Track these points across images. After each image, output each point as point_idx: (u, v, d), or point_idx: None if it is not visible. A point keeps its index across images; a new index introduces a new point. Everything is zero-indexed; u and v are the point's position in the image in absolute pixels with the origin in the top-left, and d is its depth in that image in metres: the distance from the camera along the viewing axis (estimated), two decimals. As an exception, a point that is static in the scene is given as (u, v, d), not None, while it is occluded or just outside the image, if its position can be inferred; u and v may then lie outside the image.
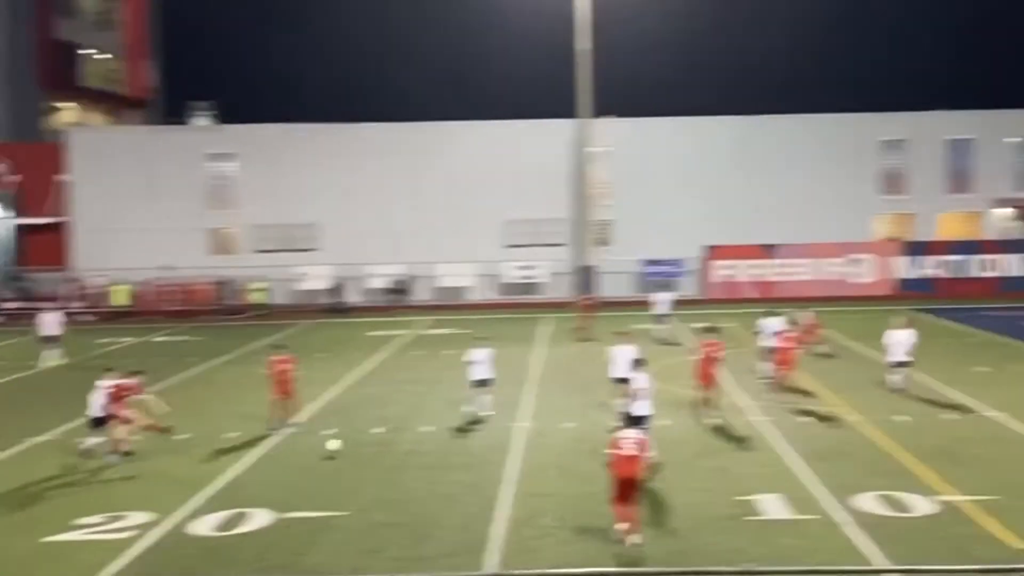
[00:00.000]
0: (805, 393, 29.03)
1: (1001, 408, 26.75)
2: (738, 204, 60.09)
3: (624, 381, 24.22)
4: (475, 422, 26.39)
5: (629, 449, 17.08)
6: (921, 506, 18.92)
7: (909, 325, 30.06)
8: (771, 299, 55.18)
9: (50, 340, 38.77)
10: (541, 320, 49.36)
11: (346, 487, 21.00)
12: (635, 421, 20.57)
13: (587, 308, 43.75)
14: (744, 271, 57.61)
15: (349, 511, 19.38)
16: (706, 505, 19.23)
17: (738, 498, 19.61)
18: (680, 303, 47.67)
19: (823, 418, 26.21)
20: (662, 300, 42.18)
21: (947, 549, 16.72)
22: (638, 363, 23.17)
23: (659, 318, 41.88)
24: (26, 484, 21.76)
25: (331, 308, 56.12)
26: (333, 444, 23.48)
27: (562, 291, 56.89)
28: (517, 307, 55.36)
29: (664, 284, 47.22)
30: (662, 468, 21.41)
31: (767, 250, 57.55)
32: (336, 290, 57.45)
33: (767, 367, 30.73)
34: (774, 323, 32.15)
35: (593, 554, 16.87)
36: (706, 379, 26.58)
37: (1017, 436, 24.04)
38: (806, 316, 36.44)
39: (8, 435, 26.11)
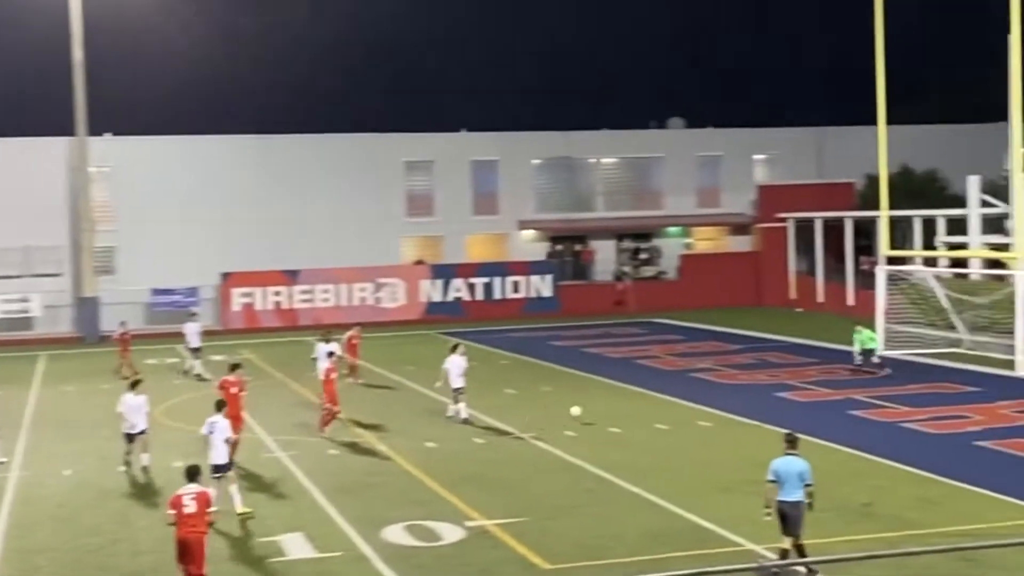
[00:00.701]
0: (355, 424, 29.37)
1: (527, 429, 28.31)
2: (257, 228, 60.02)
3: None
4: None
5: (190, 507, 16.33)
6: (449, 533, 19.62)
7: (461, 350, 30.76)
8: (295, 327, 55.67)
9: None
10: (37, 358, 47.04)
11: None
12: (213, 470, 20.89)
13: (123, 342, 41.60)
14: (265, 299, 57.58)
15: None
16: (228, 550, 18.97)
17: (262, 540, 19.53)
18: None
19: (351, 449, 26.63)
20: (191, 331, 41.12)
21: (475, 574, 17.42)
22: (220, 405, 22.46)
23: (194, 351, 40.85)
24: None
25: None
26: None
27: (61, 326, 54.47)
28: (7, 344, 52.34)
29: (192, 314, 46.13)
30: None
31: (289, 276, 57.86)
32: None
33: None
34: (333, 347, 32.76)
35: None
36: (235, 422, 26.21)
37: (543, 457, 25.51)
38: (351, 332, 37.04)
39: None
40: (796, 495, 16.70)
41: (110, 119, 58.65)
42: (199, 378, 39.39)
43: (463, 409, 29.77)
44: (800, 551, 16.61)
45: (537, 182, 65.16)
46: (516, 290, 60.41)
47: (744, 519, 19.78)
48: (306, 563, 18.35)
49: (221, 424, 21.51)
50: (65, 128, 55.72)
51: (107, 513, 21.58)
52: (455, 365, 29.96)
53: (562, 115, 75.18)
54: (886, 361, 37.72)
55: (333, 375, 29.28)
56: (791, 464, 16.91)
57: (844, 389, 33.18)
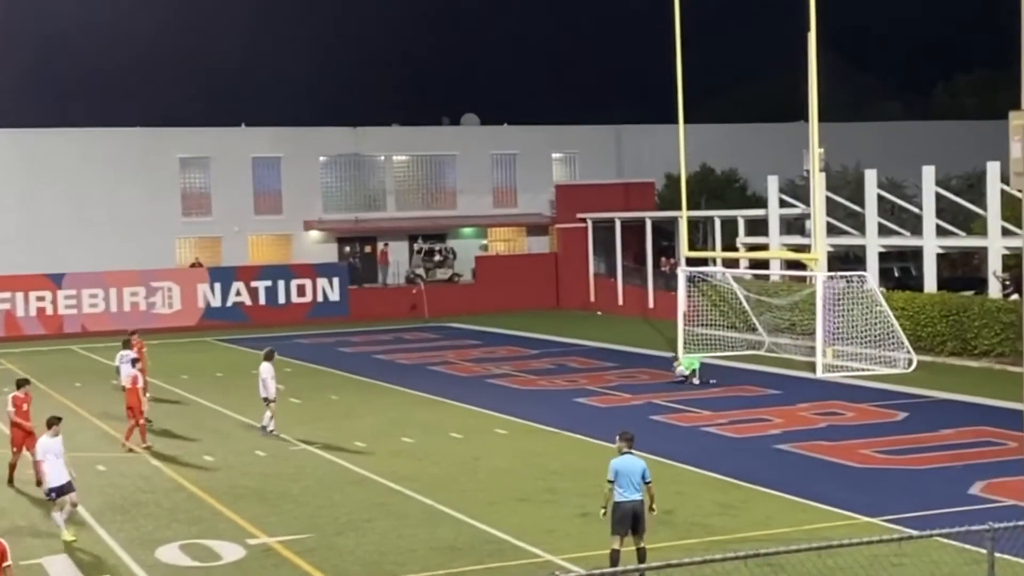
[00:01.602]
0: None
1: (313, 440, 27.99)
2: (18, 228, 58.06)
3: None
4: None
5: None
6: (229, 552, 19.22)
7: (271, 358, 29.73)
8: (60, 335, 53.95)
9: None
10: None
11: None
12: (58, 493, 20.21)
13: None
14: (27, 304, 55.58)
15: None
16: (-22, 575, 18.20)
17: (24, 563, 18.78)
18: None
19: (121, 464, 25.89)
20: None
21: (256, 595, 17.10)
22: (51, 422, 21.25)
23: None
24: None
25: None
26: None
27: None
28: None
29: None
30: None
31: (53, 280, 56.01)
32: None
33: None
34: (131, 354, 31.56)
35: None
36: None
37: (326, 469, 25.23)
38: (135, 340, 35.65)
39: None
40: (639, 495, 16.91)
41: None
42: None
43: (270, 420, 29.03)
44: (642, 555, 16.82)
45: (324, 180, 64.69)
46: (302, 294, 59.72)
47: (541, 529, 19.91)
48: (70, 588, 17.75)
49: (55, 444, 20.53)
50: None
51: None
52: (268, 373, 29.03)
53: (350, 110, 74.97)
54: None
55: (139, 383, 28.47)
56: (632, 463, 17.12)
57: (644, 393, 33.77)
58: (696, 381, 35.00)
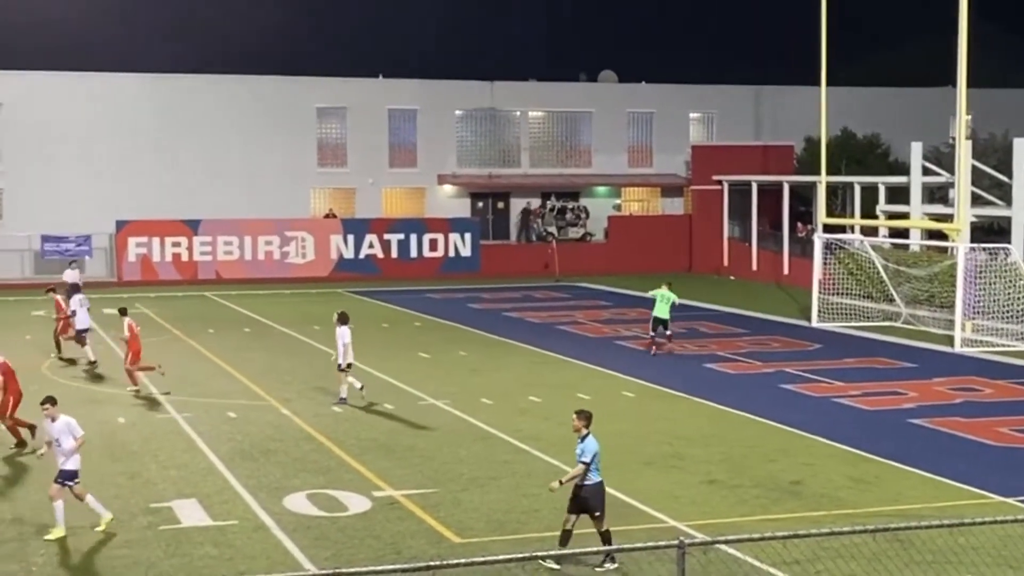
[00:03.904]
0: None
1: (440, 396, 28.30)
2: (157, 174, 59.32)
3: None
4: None
5: None
6: (355, 503, 19.56)
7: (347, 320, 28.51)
8: (195, 281, 55.15)
9: None
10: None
11: None
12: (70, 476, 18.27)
13: None
14: (163, 250, 56.86)
15: None
16: (115, 515, 18.77)
17: (153, 505, 19.36)
18: (89, 286, 46.29)
19: (250, 412, 26.44)
20: (71, 277, 41.32)
21: (381, 547, 17.39)
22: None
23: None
24: None
25: None
26: None
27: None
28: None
29: (71, 263, 45.90)
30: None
31: (190, 226, 57.20)
32: None
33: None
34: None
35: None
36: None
37: (453, 425, 25.50)
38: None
39: None
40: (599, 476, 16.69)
41: (2, 52, 57.55)
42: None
43: (351, 383, 27.67)
44: (607, 538, 16.62)
45: (459, 134, 64.98)
46: (434, 248, 60.23)
47: (666, 495, 19.96)
48: (200, 531, 18.20)
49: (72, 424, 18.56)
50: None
51: (-15, 474, 21.30)
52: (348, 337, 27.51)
53: (487, 64, 75.03)
54: (821, 333, 38.20)
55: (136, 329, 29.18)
56: (597, 444, 16.81)
57: (776, 361, 33.51)
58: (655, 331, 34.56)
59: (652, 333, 35.00)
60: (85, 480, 20.61)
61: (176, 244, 56.97)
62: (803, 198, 57.42)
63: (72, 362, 33.20)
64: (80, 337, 32.53)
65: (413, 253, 59.81)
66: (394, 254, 59.44)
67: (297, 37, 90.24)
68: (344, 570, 15.59)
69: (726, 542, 16.30)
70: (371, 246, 59.23)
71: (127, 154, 58.97)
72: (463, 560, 15.71)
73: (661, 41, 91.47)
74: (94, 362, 32.13)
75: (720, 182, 61.11)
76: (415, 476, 21.23)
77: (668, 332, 34.91)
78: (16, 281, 52.99)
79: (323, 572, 16.21)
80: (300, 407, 27.10)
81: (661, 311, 34.45)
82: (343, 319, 27.76)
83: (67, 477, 18.09)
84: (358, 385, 27.55)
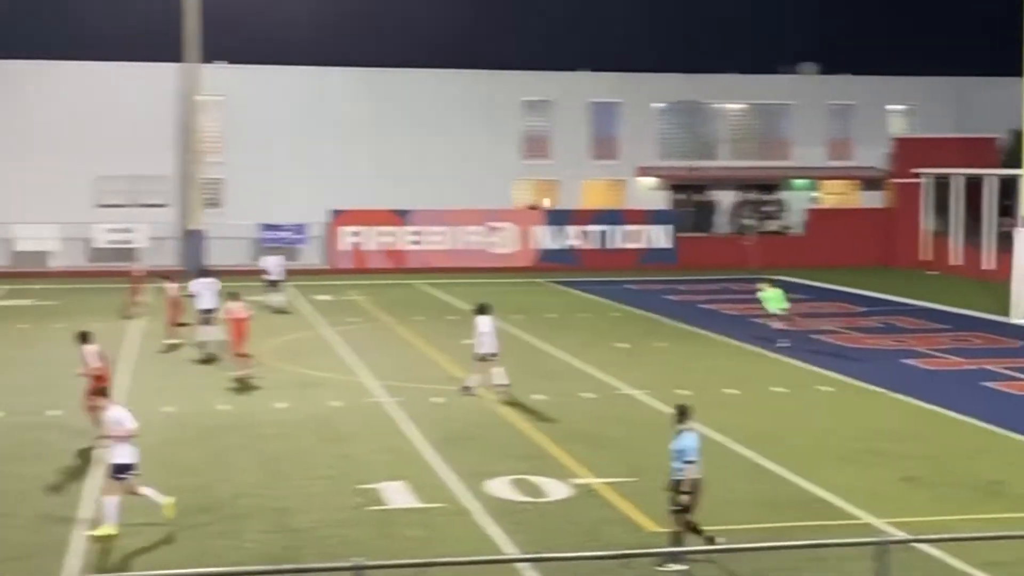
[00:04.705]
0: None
1: (640, 386, 28.24)
2: (368, 165, 60.43)
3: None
4: (55, 407, 25.26)
5: None
6: (555, 490, 19.68)
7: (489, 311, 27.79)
8: (403, 270, 56.12)
9: None
10: (139, 290, 47.91)
11: None
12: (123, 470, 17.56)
13: (137, 280, 40.53)
14: (374, 239, 58.03)
15: None
16: (326, 496, 19.27)
17: (361, 487, 19.77)
18: (303, 273, 47.65)
19: (456, 398, 26.77)
20: (273, 265, 42.36)
21: (580, 534, 17.48)
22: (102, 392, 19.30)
23: (271, 285, 41.92)
24: None
25: None
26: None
27: (165, 258, 55.27)
28: (110, 275, 53.35)
29: (274, 248, 47.45)
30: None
31: (400, 216, 58.24)
32: None
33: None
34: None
35: (190, 552, 16.56)
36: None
37: (655, 415, 25.39)
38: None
39: None
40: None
41: (224, 46, 59.31)
42: (278, 310, 40.60)
43: (502, 374, 26.99)
44: (678, 538, 16.30)
45: (659, 127, 64.66)
46: (633, 240, 60.13)
47: (864, 491, 19.57)
48: (407, 512, 18.53)
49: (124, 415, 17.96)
50: (176, 54, 56.47)
51: (207, 453, 22.01)
52: (486, 329, 27.02)
53: (687, 56, 74.40)
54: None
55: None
56: (696, 439, 16.56)
57: (978, 358, 32.54)
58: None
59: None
60: (297, 461, 21.24)
61: (386, 233, 58.06)
62: (1006, 192, 55.55)
63: (175, 347, 33.32)
64: (204, 318, 32.47)
65: (612, 244, 59.84)
66: (594, 245, 59.56)
67: (503, 32, 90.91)
68: (545, 555, 15.79)
69: (929, 541, 15.97)
70: (572, 237, 59.44)
71: (341, 146, 60.23)
72: (651, 550, 15.76)
73: (859, 32, 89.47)
74: (204, 343, 32.14)
75: (920, 175, 59.54)
76: (614, 465, 21.25)
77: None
78: (236, 267, 54.63)
79: (524, 556, 16.42)
80: (499, 395, 27.32)
81: (775, 306, 34.50)
82: (482, 310, 27.41)
83: (116, 471, 17.54)
84: (495, 380, 26.88)
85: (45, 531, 17.52)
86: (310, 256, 57.52)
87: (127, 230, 56.85)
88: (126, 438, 17.57)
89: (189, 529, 17.59)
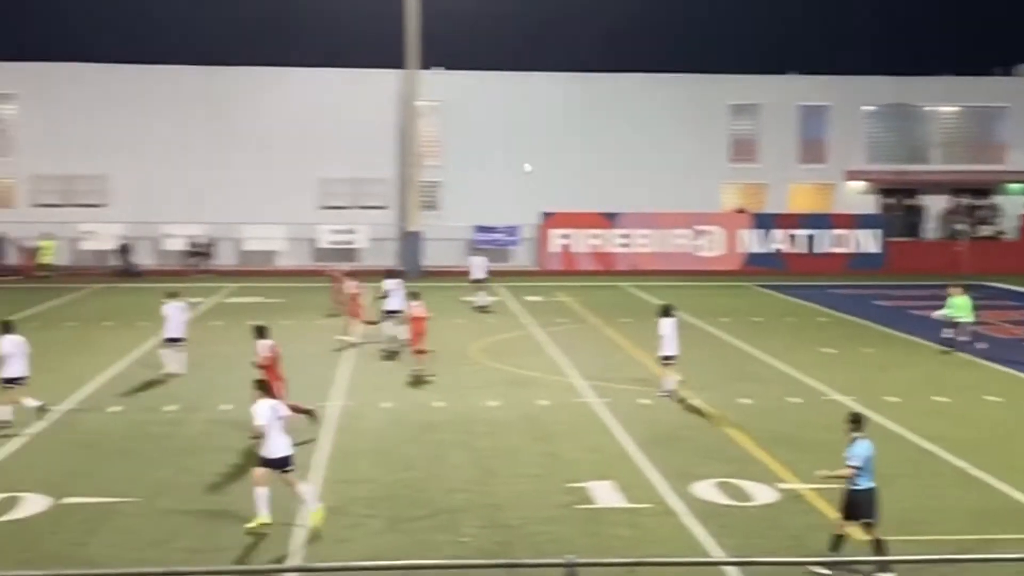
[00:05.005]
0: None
1: (847, 391, 27.72)
2: (578, 168, 60.74)
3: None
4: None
5: None
6: (761, 494, 19.48)
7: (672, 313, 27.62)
8: (611, 272, 56.21)
9: None
10: (340, 290, 49.06)
11: (133, 470, 20.59)
12: (273, 464, 17.50)
13: (338, 280, 39.91)
14: (583, 241, 58.29)
15: (135, 497, 19.01)
16: (535, 493, 19.45)
17: (569, 485, 19.88)
18: (514, 274, 48.06)
19: (662, 400, 26.69)
20: (477, 265, 43.02)
21: (785, 539, 17.27)
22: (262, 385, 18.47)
23: (477, 284, 42.55)
24: None
25: (120, 271, 54.82)
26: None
27: (383, 258, 56.55)
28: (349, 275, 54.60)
29: (479, 249, 48.22)
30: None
31: (608, 219, 58.35)
32: (126, 251, 56.11)
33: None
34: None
35: (409, 546, 16.90)
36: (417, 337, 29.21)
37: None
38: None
39: None
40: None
41: (441, 52, 60.34)
42: (481, 309, 41.21)
43: (670, 380, 27.17)
44: (880, 547, 15.81)
45: (868, 130, 63.29)
46: (840, 244, 59.03)
47: (1080, 505, 18.85)
48: (615, 512, 18.58)
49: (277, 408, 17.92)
50: (397, 61, 57.71)
51: (423, 449, 22.42)
52: (670, 332, 26.91)
53: (896, 59, 72.71)
54: None
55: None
56: (871, 449, 16.18)
57: None
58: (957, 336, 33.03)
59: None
60: (508, 458, 21.46)
61: (595, 236, 58.26)
62: None
63: (351, 345, 33.76)
64: (392, 317, 33.16)
65: (820, 249, 58.84)
66: (801, 249, 58.67)
67: (709, 36, 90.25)
68: (754, 559, 15.67)
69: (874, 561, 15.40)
70: (778, 241, 58.68)
71: (552, 149, 60.68)
72: (859, 558, 15.43)
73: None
74: (395, 339, 32.77)
75: None
76: (821, 470, 20.86)
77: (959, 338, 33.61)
78: (451, 268, 55.56)
79: (732, 559, 16.29)
80: (709, 396, 27.16)
81: (961, 314, 33.55)
82: (665, 311, 27.25)
83: (267, 464, 17.50)
84: (666, 385, 27.00)
85: (273, 519, 18.06)
86: (521, 258, 58.12)
87: (349, 231, 58.34)
88: (275, 430, 17.46)
89: (407, 522, 17.98)
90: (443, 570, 15.35)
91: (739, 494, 19.52)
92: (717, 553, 16.66)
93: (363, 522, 17.95)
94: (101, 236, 57.30)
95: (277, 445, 17.45)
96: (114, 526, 17.70)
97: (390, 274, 35.35)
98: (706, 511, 18.59)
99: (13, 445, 22.36)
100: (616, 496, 19.39)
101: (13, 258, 55.65)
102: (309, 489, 17.76)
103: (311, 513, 17.49)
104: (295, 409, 22.52)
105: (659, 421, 24.80)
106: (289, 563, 16.19)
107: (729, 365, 31.36)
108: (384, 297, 33.96)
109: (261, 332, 23.93)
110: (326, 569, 14.74)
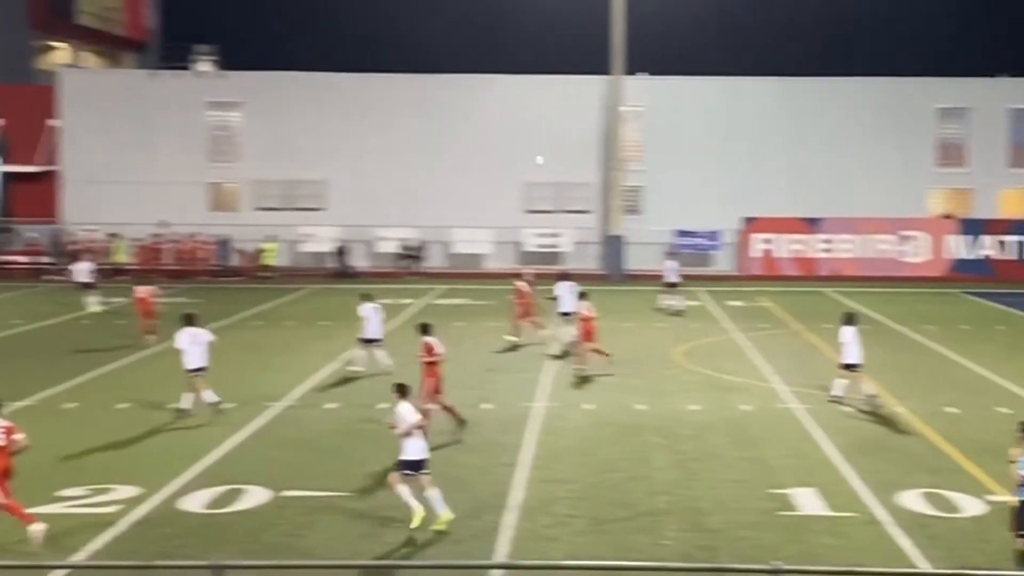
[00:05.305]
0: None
1: (1059, 403, 26.67)
2: (780, 173, 59.82)
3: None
4: (486, 401, 26.41)
5: None
6: (968, 506, 18.88)
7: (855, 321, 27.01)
8: (812, 277, 55.18)
9: (88, 287, 42.47)
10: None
11: (348, 465, 21.08)
12: (409, 466, 17.62)
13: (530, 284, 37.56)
14: (784, 246, 57.39)
15: (350, 491, 19.45)
16: (738, 498, 19.23)
17: (772, 491, 19.61)
18: (715, 279, 47.50)
19: (865, 408, 26.10)
20: (670, 268, 42.82)
21: (994, 552, 16.67)
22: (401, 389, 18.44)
23: (669, 288, 42.35)
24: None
25: (337, 273, 56.22)
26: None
27: (587, 262, 56.68)
28: (537, 277, 55.04)
29: (671, 252, 47.96)
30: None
31: (810, 223, 57.31)
32: (342, 253, 57.51)
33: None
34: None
35: (611, 546, 16.90)
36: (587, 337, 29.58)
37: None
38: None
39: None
40: None
41: (646, 58, 60.13)
42: (674, 313, 41.19)
43: (842, 385, 26.39)
44: None
45: (1083, 134, 60.73)
46: (1051, 251, 56.73)
47: None
48: (818, 520, 18.24)
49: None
50: (603, 67, 57.70)
51: (625, 450, 22.39)
52: (852, 339, 26.24)
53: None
54: None
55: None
56: None
57: None
58: None
59: None
60: (710, 462, 21.23)
61: (797, 241, 57.30)
62: None
63: (516, 347, 33.90)
64: (565, 319, 33.25)
65: (1030, 255, 56.68)
66: (1011, 255, 56.59)
67: (918, 38, 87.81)
68: (962, 571, 15.16)
69: None
70: (987, 247, 56.72)
71: (755, 154, 59.92)
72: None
73: None
74: (565, 343, 32.68)
75: None
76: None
77: None
78: (653, 271, 55.27)
79: (941, 571, 15.77)
80: (915, 405, 26.42)
81: None
82: (849, 320, 26.61)
83: (403, 467, 17.56)
84: (834, 390, 26.53)
85: (480, 516, 18.28)
86: (722, 262, 57.53)
87: (554, 235, 58.65)
88: (413, 433, 17.54)
89: (611, 523, 17.98)
90: (646, 571, 15.34)
91: (946, 505, 18.95)
92: (923, 565, 16.20)
93: (566, 521, 18.02)
94: (319, 239, 58.86)
95: (415, 447, 17.57)
96: (329, 519, 18.15)
97: (562, 277, 35.39)
98: (912, 521, 18.10)
99: (237, 438, 23.14)
100: (819, 503, 19.04)
101: (236, 260, 57.54)
102: (437, 494, 17.66)
103: (437, 517, 17.41)
104: (450, 412, 23.25)
105: (862, 428, 24.25)
106: (495, 559, 16.34)
107: (935, 373, 30.47)
108: (554, 299, 34.21)
109: (425, 330, 24.14)
110: (532, 567, 14.85)
